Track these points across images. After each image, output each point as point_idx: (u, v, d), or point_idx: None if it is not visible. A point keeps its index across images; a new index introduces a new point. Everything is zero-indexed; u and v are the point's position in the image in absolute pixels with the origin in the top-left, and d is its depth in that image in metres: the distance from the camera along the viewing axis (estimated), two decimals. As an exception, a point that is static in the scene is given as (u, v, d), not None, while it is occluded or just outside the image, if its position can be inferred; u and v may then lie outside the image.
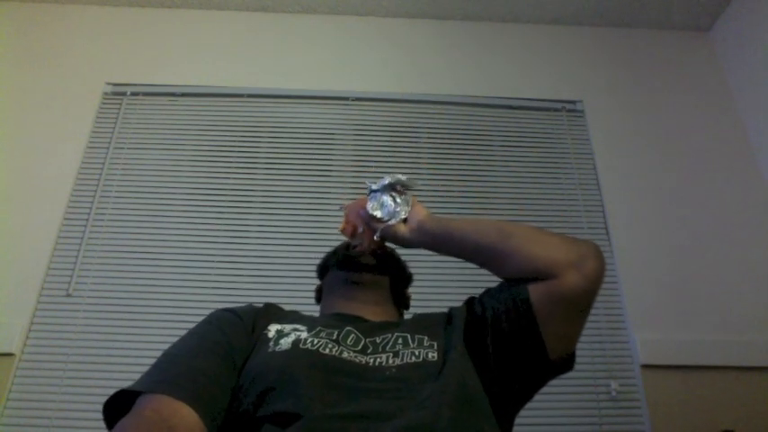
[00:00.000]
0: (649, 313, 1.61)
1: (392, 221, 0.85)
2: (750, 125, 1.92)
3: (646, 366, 1.53)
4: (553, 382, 0.74)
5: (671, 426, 1.46)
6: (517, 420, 0.75)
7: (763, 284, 1.67)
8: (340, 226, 0.93)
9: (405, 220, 0.86)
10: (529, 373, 0.73)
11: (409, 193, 0.90)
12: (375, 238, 0.86)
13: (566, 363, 0.73)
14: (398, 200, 0.87)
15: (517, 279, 0.73)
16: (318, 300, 0.94)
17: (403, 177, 0.89)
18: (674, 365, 1.53)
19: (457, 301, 0.84)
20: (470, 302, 0.81)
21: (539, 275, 0.70)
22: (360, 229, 0.90)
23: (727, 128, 1.95)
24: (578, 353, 0.75)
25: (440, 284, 1.63)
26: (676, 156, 1.88)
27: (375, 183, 0.90)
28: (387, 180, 0.89)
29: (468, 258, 0.80)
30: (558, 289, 0.68)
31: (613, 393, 1.51)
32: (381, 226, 0.86)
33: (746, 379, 1.52)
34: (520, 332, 0.70)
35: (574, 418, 1.49)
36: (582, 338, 0.74)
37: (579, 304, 0.70)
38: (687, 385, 1.50)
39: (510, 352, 0.71)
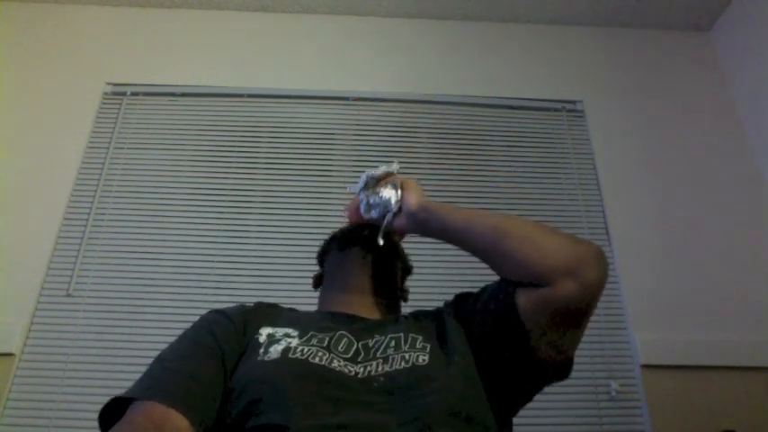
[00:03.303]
0: (649, 313, 1.61)
1: (388, 218, 0.84)
2: (750, 125, 1.92)
3: (646, 366, 1.53)
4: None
5: (671, 426, 1.46)
6: (517, 420, 0.75)
7: (763, 284, 1.67)
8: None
9: (400, 209, 0.84)
10: (520, 379, 0.70)
11: (391, 179, 0.88)
12: (379, 242, 0.83)
13: (560, 370, 0.70)
14: (383, 194, 0.85)
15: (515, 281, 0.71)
16: (315, 286, 0.92)
17: (377, 171, 0.88)
18: (673, 365, 1.53)
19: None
20: (464, 301, 0.78)
21: (533, 281, 0.66)
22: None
23: (727, 128, 1.95)
24: (578, 353, 0.74)
25: (442, 277, 1.63)
26: (676, 156, 1.88)
27: (354, 186, 0.89)
28: (364, 179, 0.88)
29: (466, 251, 0.78)
30: (551, 297, 0.64)
31: (613, 393, 1.51)
32: (381, 229, 0.84)
33: (746, 379, 1.52)
34: (509, 339, 0.68)
35: (574, 418, 1.49)
36: (582, 338, 0.72)
37: (576, 313, 0.66)
38: (687, 385, 1.50)
39: (500, 357, 0.69)
